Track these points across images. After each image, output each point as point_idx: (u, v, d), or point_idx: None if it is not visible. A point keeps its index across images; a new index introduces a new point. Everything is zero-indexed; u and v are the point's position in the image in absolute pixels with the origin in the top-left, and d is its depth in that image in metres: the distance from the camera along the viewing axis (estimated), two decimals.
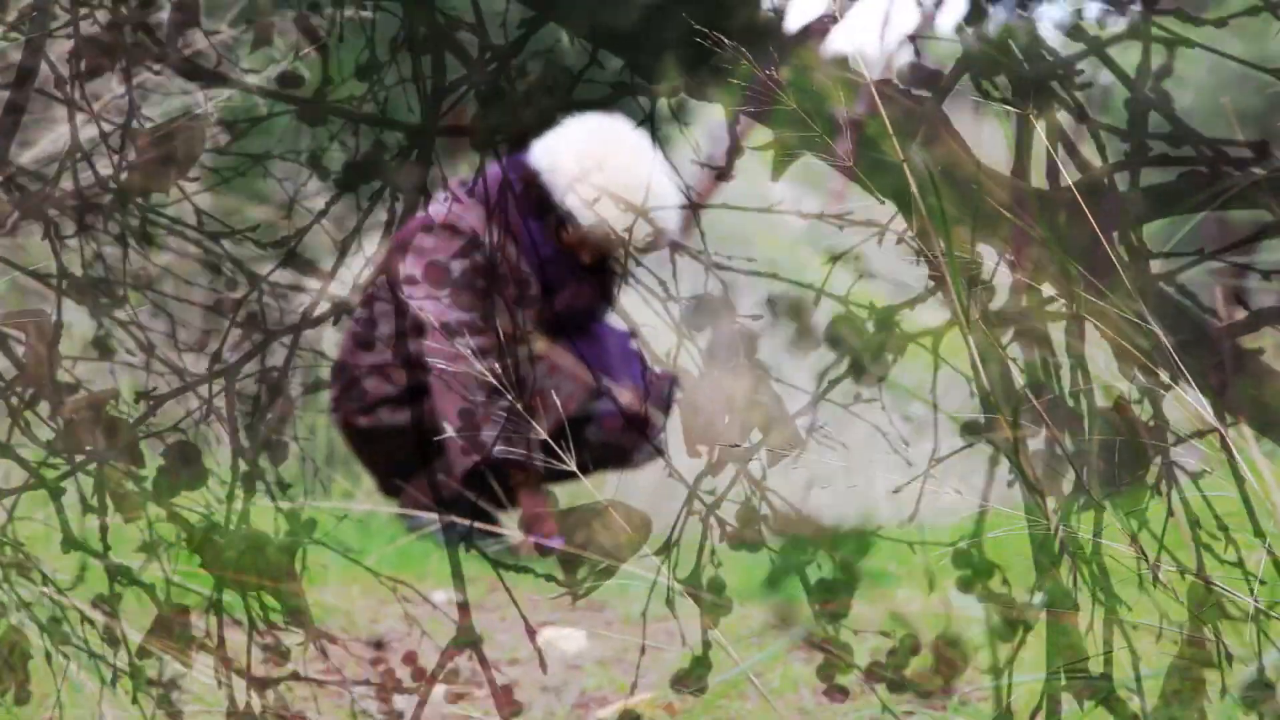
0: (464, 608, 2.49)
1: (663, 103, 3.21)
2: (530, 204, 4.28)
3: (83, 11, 2.54)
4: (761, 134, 2.89)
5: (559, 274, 4.37)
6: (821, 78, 2.81)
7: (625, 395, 4.47)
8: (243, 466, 2.53)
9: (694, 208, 2.98)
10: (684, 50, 3.02)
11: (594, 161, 4.29)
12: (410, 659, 2.53)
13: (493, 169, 4.53)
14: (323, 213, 2.98)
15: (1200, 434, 2.48)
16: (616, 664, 3.58)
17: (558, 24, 3.10)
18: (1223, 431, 2.38)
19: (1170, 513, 2.48)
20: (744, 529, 2.51)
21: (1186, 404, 2.47)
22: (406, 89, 2.86)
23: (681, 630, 2.49)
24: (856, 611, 3.37)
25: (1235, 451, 2.38)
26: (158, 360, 2.80)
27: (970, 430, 2.46)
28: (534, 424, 4.23)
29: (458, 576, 2.56)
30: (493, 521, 4.35)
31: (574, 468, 4.23)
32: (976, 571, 2.48)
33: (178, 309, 3.22)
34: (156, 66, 2.67)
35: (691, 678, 2.53)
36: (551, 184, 4.28)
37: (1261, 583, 2.43)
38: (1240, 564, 2.44)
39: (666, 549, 2.57)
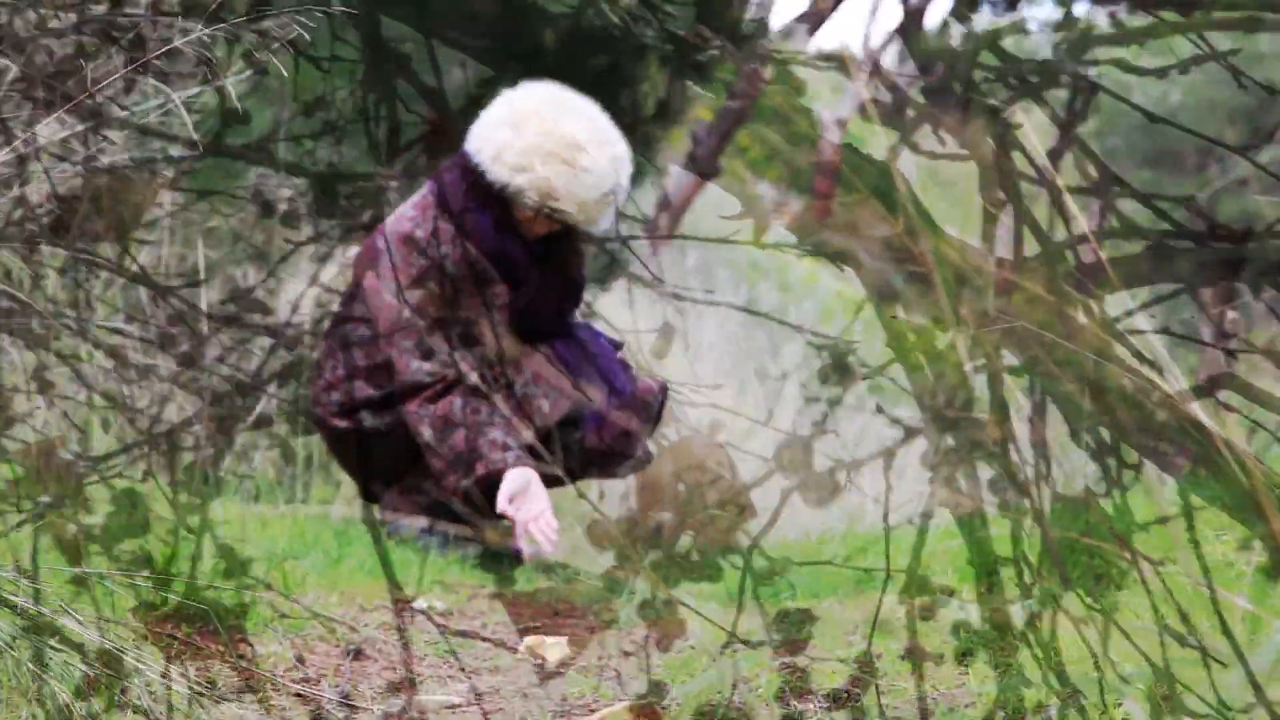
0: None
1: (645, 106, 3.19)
2: (474, 194, 4.13)
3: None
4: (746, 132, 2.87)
5: (516, 262, 4.24)
6: (806, 75, 2.79)
7: (610, 403, 4.40)
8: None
9: (651, 239, 2.95)
10: (667, 50, 2.99)
11: (520, 127, 4.11)
12: None
13: (445, 165, 4.45)
14: (308, 286, 2.97)
15: (1163, 520, 2.48)
16: (598, 671, 3.54)
17: (541, 23, 3.08)
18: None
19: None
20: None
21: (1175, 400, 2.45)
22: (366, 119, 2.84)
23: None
24: (841, 614, 3.34)
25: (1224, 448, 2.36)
26: (98, 395, 2.76)
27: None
28: (521, 427, 4.18)
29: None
30: (473, 527, 4.30)
31: (561, 472, 4.19)
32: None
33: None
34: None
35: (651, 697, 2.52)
36: (482, 163, 4.11)
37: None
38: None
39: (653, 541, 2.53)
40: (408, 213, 4.07)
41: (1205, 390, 2.59)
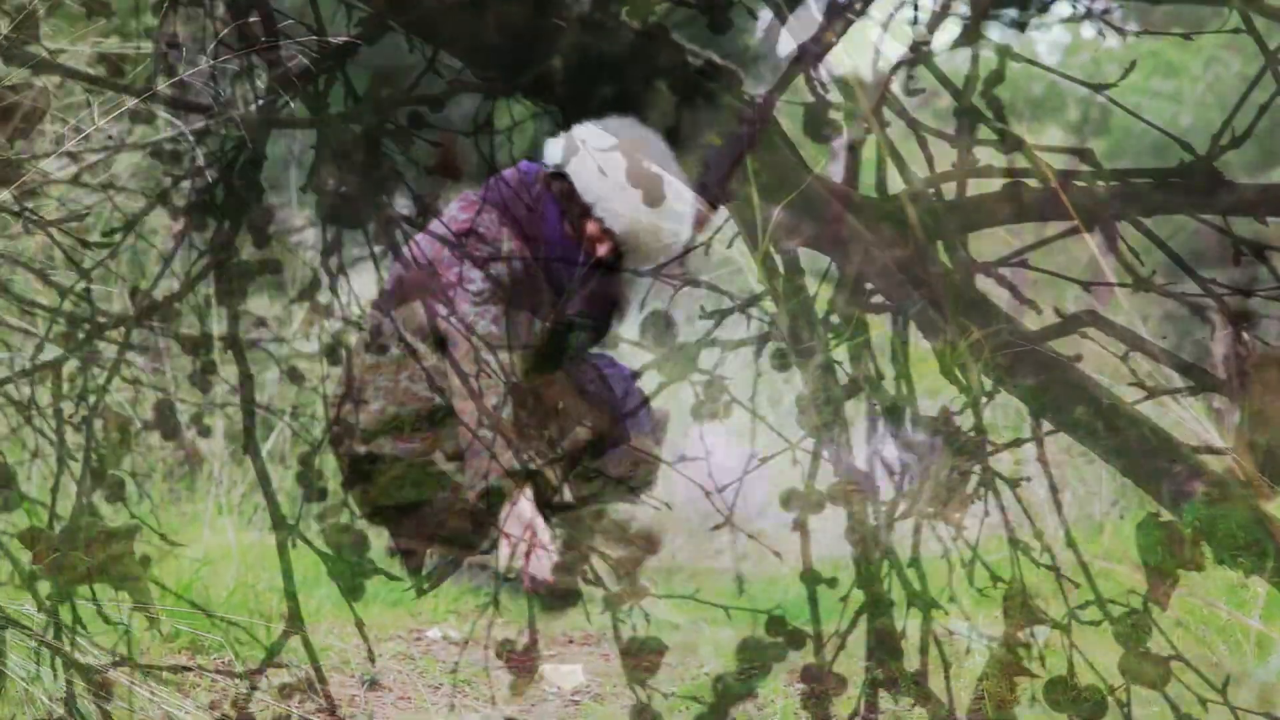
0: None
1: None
2: (551, 199, 4.26)
3: None
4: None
5: (570, 269, 4.35)
6: (815, 103, 2.78)
7: (628, 434, 4.44)
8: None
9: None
10: (675, 77, 2.99)
11: (623, 155, 4.31)
12: None
13: (506, 173, 4.51)
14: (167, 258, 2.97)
15: (1017, 442, 2.51)
16: (614, 699, 3.54)
17: (549, 52, 3.07)
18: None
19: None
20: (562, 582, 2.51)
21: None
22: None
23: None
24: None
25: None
26: None
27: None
28: (554, 444, 4.22)
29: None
30: (484, 553, 4.30)
31: (571, 501, 4.18)
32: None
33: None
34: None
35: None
36: (578, 175, 4.26)
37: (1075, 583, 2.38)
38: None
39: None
40: (457, 214, 4.14)
41: (1067, 327, 2.58)
